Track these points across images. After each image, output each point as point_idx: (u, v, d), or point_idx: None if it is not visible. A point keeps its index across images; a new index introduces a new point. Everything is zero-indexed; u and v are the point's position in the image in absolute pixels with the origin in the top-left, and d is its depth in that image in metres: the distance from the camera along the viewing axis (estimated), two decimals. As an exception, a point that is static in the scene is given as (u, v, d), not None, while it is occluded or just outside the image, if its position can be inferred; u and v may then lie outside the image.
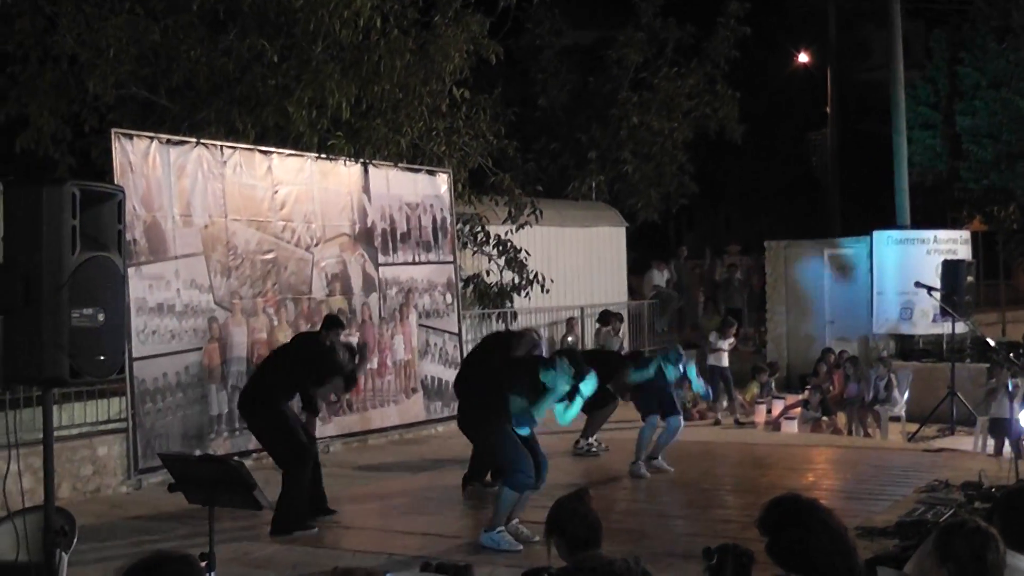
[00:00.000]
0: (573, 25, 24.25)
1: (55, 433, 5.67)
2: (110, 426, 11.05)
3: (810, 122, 31.74)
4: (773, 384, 16.49)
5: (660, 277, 21.95)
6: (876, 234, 18.56)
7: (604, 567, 4.38)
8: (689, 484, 11.21)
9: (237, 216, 12.03)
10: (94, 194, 5.44)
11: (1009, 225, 24.35)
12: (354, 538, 9.00)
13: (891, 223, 19.83)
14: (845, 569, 3.95)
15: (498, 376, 8.94)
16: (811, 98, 30.80)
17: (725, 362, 15.92)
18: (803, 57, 31.22)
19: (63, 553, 5.69)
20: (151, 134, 11.51)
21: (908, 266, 17.70)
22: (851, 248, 19.15)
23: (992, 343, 13.36)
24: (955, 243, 18.28)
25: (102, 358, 5.42)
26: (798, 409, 15.55)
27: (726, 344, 15.94)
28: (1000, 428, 13.15)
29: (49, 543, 5.38)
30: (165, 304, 11.08)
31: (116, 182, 10.31)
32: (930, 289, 15.85)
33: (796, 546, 3.97)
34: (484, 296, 16.53)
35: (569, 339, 17.41)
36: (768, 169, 32.72)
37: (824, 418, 15.44)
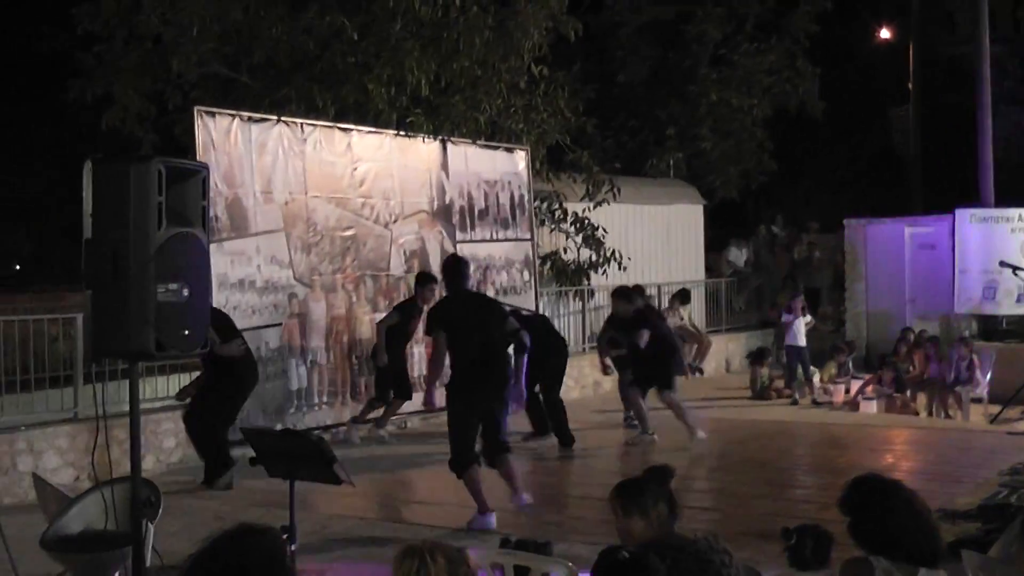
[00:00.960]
0: (652, 1, 24.08)
1: (141, 406, 5.78)
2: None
3: (893, 98, 31.20)
4: (851, 364, 16.28)
5: (738, 255, 21.77)
6: (958, 212, 18.21)
7: (687, 545, 4.41)
8: (766, 463, 11.14)
9: (317, 193, 12.15)
10: (179, 171, 5.53)
11: (1098, 202, 23.78)
12: (432, 514, 9.08)
13: (975, 200, 19.45)
14: (929, 551, 3.93)
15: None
16: (894, 73, 30.26)
17: (802, 341, 15.73)
18: (885, 32, 30.69)
19: (149, 523, 5.83)
20: (233, 111, 11.66)
21: (991, 244, 17.35)
22: (933, 226, 18.83)
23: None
24: (1041, 222, 17.87)
25: (187, 332, 5.52)
26: (871, 387, 15.35)
27: (803, 323, 15.75)
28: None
29: (136, 513, 5.50)
30: (246, 280, 11.24)
31: (199, 159, 10.46)
32: (1015, 269, 15.56)
33: (878, 527, 3.96)
34: (562, 273, 16.53)
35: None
36: (849, 146, 32.26)
37: (897, 395, 15.23)
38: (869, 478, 4.18)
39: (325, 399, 12.09)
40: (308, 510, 8.36)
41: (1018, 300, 16.90)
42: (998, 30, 25.01)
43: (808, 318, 16.05)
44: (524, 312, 12.70)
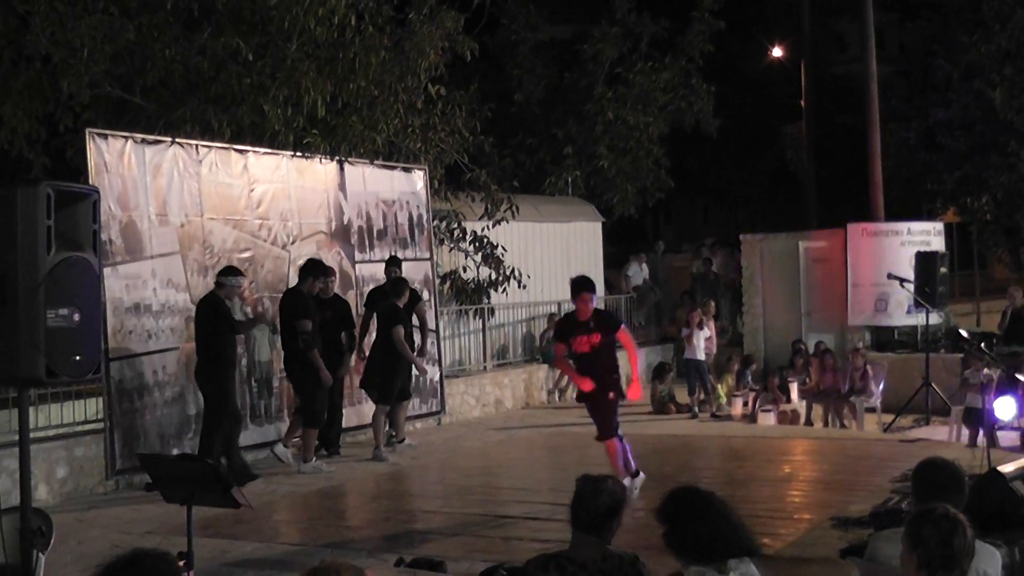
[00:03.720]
0: (548, 20, 24.29)
1: (32, 434, 5.67)
2: (87, 427, 11.04)
3: (786, 115, 31.86)
4: (750, 376, 16.54)
5: (637, 272, 22.02)
6: (850, 226, 18.66)
7: (592, 562, 4.53)
8: (667, 477, 11.23)
9: (213, 215, 12.02)
10: (69, 194, 5.46)
11: (983, 215, 24.50)
12: (330, 534, 9.03)
13: (867, 215, 19.94)
14: (743, 553, 4.15)
15: None
16: (786, 91, 30.91)
17: (701, 355, 15.94)
18: (778, 51, 31.35)
19: (40, 554, 5.70)
20: (126, 133, 11.46)
21: (882, 258, 17.79)
22: (826, 241, 19.24)
23: (966, 334, 13.45)
24: (928, 235, 18.38)
25: (78, 358, 5.44)
26: (755, 397, 15.61)
27: (702, 336, 15.96)
28: (974, 418, 13.25)
29: (26, 543, 5.39)
30: (142, 303, 11.05)
31: (91, 182, 10.30)
32: (902, 281, 15.97)
33: (693, 534, 4.18)
34: (461, 292, 16.57)
35: (550, 334, 17.42)
36: (744, 162, 32.86)
37: (786, 406, 15.50)
38: (684, 489, 4.38)
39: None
40: (206, 535, 8.24)
41: (908, 311, 17.34)
42: (885, 50, 25.73)
43: (707, 332, 16.25)
44: None
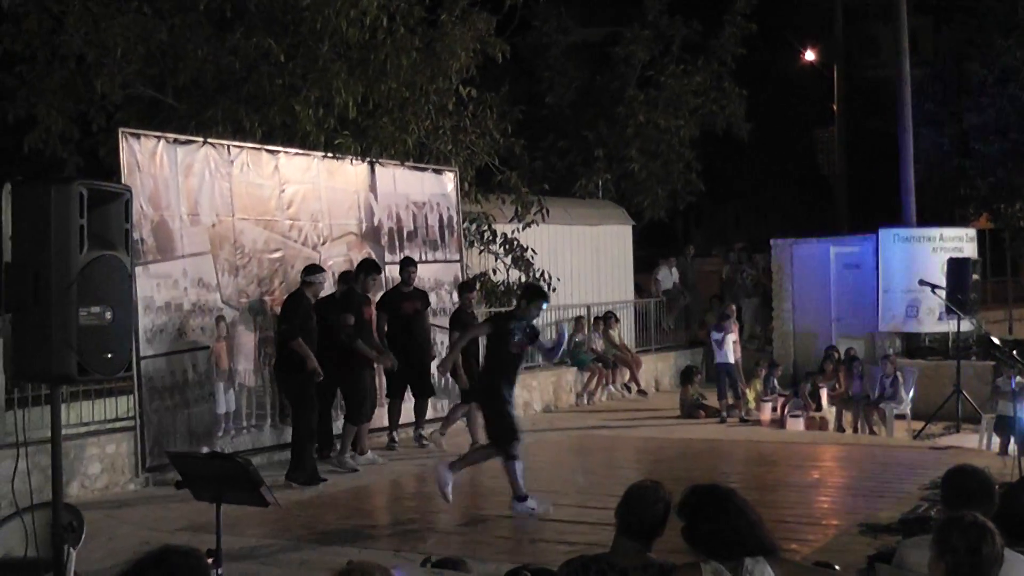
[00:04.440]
0: (580, 22, 24.33)
1: (63, 431, 5.72)
2: (118, 424, 11.14)
3: (818, 119, 31.74)
4: (776, 381, 16.47)
5: (667, 275, 21.98)
6: (882, 232, 18.54)
7: (614, 566, 4.54)
8: (695, 482, 11.21)
9: (244, 215, 12.08)
10: (101, 193, 5.50)
11: (1016, 222, 24.31)
12: (359, 535, 9.05)
13: (899, 220, 19.82)
14: (760, 551, 4.16)
15: None
16: (819, 95, 30.80)
17: (731, 358, 15.87)
18: (810, 54, 31.23)
19: (71, 549, 5.75)
20: (158, 133, 11.55)
21: (914, 264, 17.68)
22: (857, 246, 19.13)
23: (997, 341, 13.34)
24: (961, 241, 18.25)
25: (110, 356, 5.49)
26: (785, 403, 15.54)
27: (729, 340, 15.88)
28: (1005, 426, 13.15)
29: (57, 538, 5.44)
30: (173, 303, 11.12)
31: (123, 181, 10.35)
32: (934, 287, 15.85)
33: (712, 529, 4.19)
34: (491, 295, 16.55)
35: (577, 338, 17.44)
36: (775, 166, 32.73)
37: (815, 413, 15.43)
38: (705, 486, 4.40)
39: (254, 422, 12.00)
40: (236, 533, 8.28)
41: (939, 318, 17.21)
42: (919, 53, 25.56)
43: (735, 335, 16.17)
44: None
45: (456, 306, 13.54)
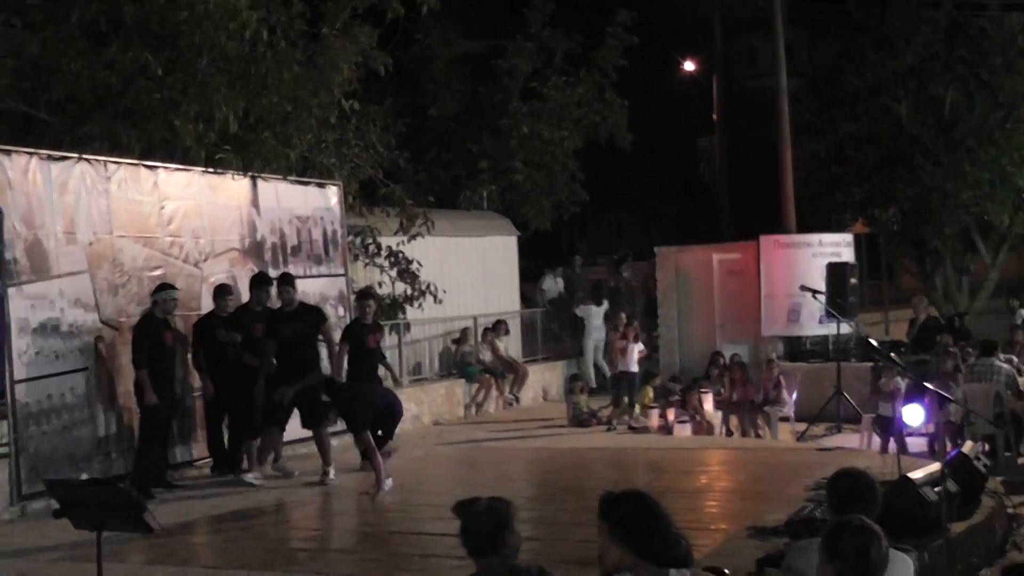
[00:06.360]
0: (463, 35, 24.31)
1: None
2: None
3: (699, 129, 32.20)
4: (670, 387, 16.63)
5: (552, 285, 22.09)
6: (763, 238, 18.89)
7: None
8: (586, 491, 11.26)
9: (123, 232, 11.80)
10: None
11: (890, 227, 24.95)
12: (246, 556, 8.90)
13: (779, 227, 20.21)
14: (676, 556, 4.23)
15: None
16: (700, 106, 31.26)
17: (634, 367, 15.92)
18: (690, 65, 31.68)
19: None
20: (31, 150, 11.19)
21: (795, 269, 18.03)
22: (740, 253, 19.45)
23: (875, 343, 13.67)
24: (839, 246, 18.68)
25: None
26: (672, 410, 15.71)
27: (636, 349, 15.94)
28: (884, 425, 13.47)
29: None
30: (49, 324, 10.77)
31: (-5, 199, 10.07)
32: (814, 292, 16.18)
33: (634, 532, 4.24)
34: (377, 308, 16.42)
35: (464, 348, 17.44)
36: (659, 176, 33.15)
37: (699, 417, 15.61)
38: (635, 491, 4.44)
39: (136, 444, 11.69)
40: (118, 560, 8.06)
41: (820, 321, 17.57)
42: (795, 64, 26.11)
43: (640, 345, 16.26)
44: None
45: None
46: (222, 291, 12.27)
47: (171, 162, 12.88)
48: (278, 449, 12.24)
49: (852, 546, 4.01)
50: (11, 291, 10.34)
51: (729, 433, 15.70)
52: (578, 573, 7.46)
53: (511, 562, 4.67)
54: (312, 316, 12.23)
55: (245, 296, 12.58)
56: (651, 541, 4.23)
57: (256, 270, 13.18)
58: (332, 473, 11.72)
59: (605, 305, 19.13)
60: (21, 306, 10.48)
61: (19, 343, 10.37)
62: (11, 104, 13.32)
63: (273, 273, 13.06)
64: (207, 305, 12.50)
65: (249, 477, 11.63)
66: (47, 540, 9.12)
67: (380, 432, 11.18)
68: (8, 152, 10.78)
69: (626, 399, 15.87)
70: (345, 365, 12.15)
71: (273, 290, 12.12)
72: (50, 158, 11.19)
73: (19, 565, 8.52)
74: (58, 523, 6.30)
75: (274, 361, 11.86)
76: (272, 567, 8.30)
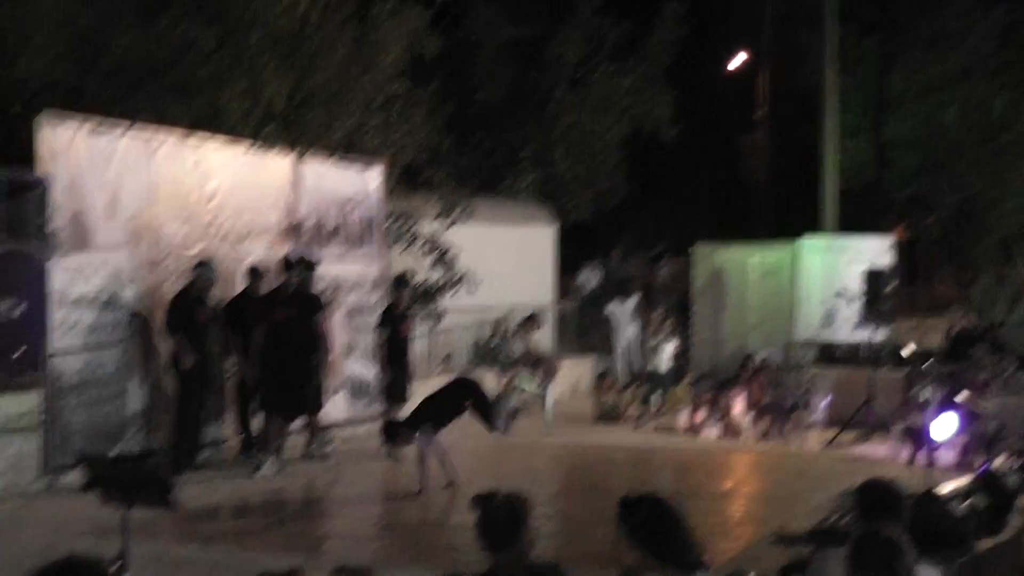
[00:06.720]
0: (511, 21, 24.25)
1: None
2: (23, 422, 10.43)
3: (742, 125, 32.00)
4: (695, 388, 16.58)
5: (588, 278, 22.02)
6: (800, 241, 18.76)
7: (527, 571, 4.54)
8: (610, 489, 11.27)
9: (165, 208, 11.85)
10: (16, 184, 5.37)
11: (930, 233, 24.76)
12: (273, 537, 8.98)
13: (819, 228, 20.07)
14: (691, 560, 4.26)
15: None
16: (744, 101, 31.06)
17: (665, 365, 15.88)
18: (739, 59, 31.46)
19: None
20: (79, 120, 11.21)
21: (831, 273, 17.88)
22: (777, 253, 19.31)
23: (905, 354, 13.56)
24: (878, 251, 18.52)
25: (20, 351, 5.35)
26: (703, 411, 15.67)
27: (667, 347, 15.90)
28: (914, 436, 13.38)
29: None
30: (86, 297, 10.80)
31: (42, 169, 10.14)
32: (851, 297, 16.07)
33: (650, 535, 4.28)
34: (413, 295, 16.47)
35: (496, 340, 17.40)
36: (699, 171, 32.98)
37: (728, 420, 15.56)
38: (653, 496, 4.48)
39: (172, 416, 11.77)
40: (145, 536, 8.15)
41: (855, 327, 17.45)
42: (843, 62, 25.90)
43: (676, 342, 16.21)
44: None
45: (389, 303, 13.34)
46: (255, 273, 12.32)
47: (217, 137, 12.85)
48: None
49: (878, 558, 4.03)
50: (52, 262, 10.39)
51: (757, 437, 15.65)
52: (597, 573, 7.47)
53: (526, 558, 4.71)
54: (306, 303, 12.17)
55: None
56: (669, 546, 4.26)
57: (293, 251, 13.23)
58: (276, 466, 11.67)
59: (634, 299, 19.02)
60: (61, 278, 10.45)
61: (57, 315, 10.36)
62: (61, 75, 13.41)
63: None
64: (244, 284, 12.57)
65: (263, 471, 11.50)
66: (74, 513, 9.22)
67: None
68: (56, 122, 10.75)
69: (655, 396, 15.84)
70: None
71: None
72: (97, 129, 11.19)
73: (46, 537, 8.61)
74: (85, 497, 6.37)
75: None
76: (294, 551, 8.37)
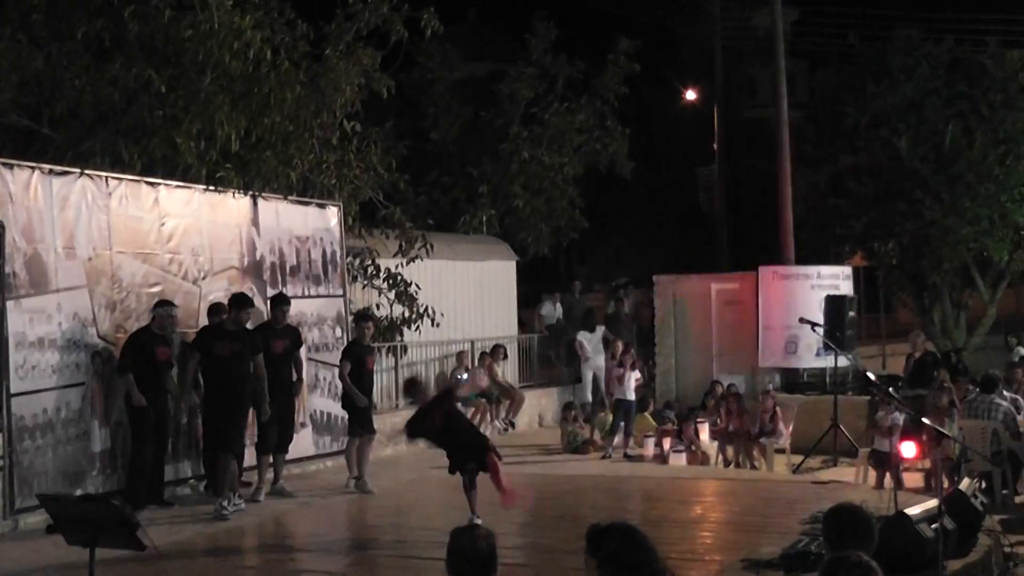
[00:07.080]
0: (465, 59, 24.38)
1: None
2: None
3: (699, 158, 32.31)
4: (670, 416, 16.59)
5: (551, 311, 22.07)
6: (761, 269, 18.88)
7: None
8: (579, 518, 11.21)
9: (122, 248, 11.79)
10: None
11: (889, 261, 25.01)
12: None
13: (778, 259, 20.21)
14: None
15: None
16: (700, 134, 31.36)
17: (631, 395, 15.86)
18: (691, 94, 31.79)
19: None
20: (33, 164, 11.20)
21: (793, 301, 18.02)
22: (738, 283, 19.43)
23: (872, 377, 13.64)
24: (837, 279, 18.68)
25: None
26: (669, 439, 15.65)
27: (632, 377, 15.90)
28: (881, 460, 13.43)
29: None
30: (46, 338, 10.76)
31: (-4, 214, 10.07)
32: (813, 325, 16.17)
33: (621, 566, 4.26)
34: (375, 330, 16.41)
35: (460, 374, 17.36)
36: (657, 204, 33.23)
37: (692, 447, 15.55)
38: (625, 526, 4.47)
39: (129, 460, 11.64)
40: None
41: (817, 354, 17.56)
42: (795, 95, 26.25)
43: (637, 373, 16.22)
44: None
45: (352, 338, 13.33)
46: (216, 310, 12.20)
47: (172, 179, 12.85)
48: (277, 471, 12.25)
49: None
50: (9, 304, 10.31)
51: (725, 464, 15.65)
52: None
53: None
54: (252, 338, 11.85)
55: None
56: (639, 574, 4.25)
57: (254, 289, 13.15)
58: (241, 504, 11.40)
59: (599, 331, 19.12)
60: (19, 320, 10.46)
61: (16, 357, 10.35)
62: (14, 119, 13.32)
63: (271, 292, 13.10)
64: (204, 323, 12.44)
65: (222, 513, 11.07)
66: (39, 555, 9.06)
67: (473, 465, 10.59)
68: (10, 166, 10.78)
69: (622, 426, 15.81)
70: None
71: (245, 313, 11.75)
72: (52, 172, 11.19)
73: (10, 581, 8.47)
74: (51, 538, 6.25)
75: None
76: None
